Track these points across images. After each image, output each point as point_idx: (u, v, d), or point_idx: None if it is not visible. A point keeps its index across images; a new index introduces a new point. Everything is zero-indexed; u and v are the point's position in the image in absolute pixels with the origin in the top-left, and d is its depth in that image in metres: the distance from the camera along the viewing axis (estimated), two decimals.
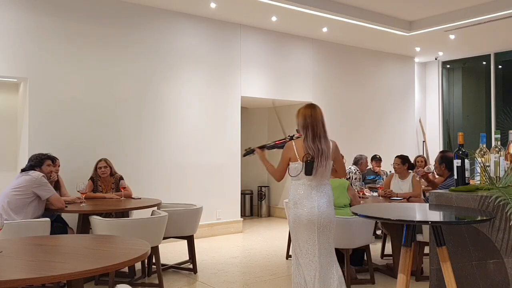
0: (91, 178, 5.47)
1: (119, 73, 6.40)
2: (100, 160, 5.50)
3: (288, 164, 3.49)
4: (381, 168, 7.62)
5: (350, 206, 4.74)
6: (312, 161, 3.35)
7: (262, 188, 9.34)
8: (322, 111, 3.54)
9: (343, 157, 3.91)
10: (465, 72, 10.92)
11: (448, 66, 10.83)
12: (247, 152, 4.02)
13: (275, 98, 7.94)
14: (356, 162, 7.07)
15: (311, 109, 3.48)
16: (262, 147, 3.91)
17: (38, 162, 4.68)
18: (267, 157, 3.84)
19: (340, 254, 4.31)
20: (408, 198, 5.29)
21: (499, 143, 3.00)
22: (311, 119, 3.42)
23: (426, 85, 10.94)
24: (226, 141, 7.43)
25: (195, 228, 5.20)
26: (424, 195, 5.74)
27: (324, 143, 3.41)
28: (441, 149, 10.38)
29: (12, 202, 4.35)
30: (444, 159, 4.95)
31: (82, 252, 2.79)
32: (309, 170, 3.35)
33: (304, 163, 3.36)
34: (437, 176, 5.76)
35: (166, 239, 4.94)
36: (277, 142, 3.97)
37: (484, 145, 3.05)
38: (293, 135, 3.79)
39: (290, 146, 3.48)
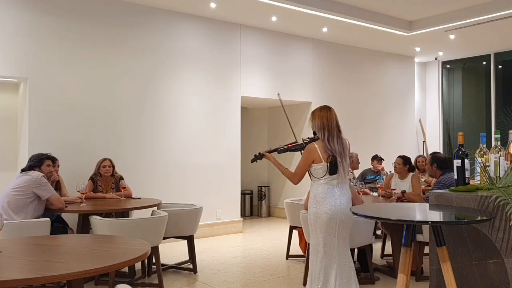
0: (91, 178, 5.47)
1: (119, 73, 6.40)
2: (104, 159, 5.49)
3: (310, 166, 3.59)
4: (383, 168, 7.61)
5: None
6: (336, 161, 3.52)
7: (262, 188, 9.34)
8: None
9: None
10: (465, 72, 10.91)
11: (448, 66, 10.82)
12: (256, 158, 4.01)
13: (275, 98, 7.93)
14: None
15: (327, 110, 3.62)
16: (272, 151, 3.95)
17: (37, 162, 4.67)
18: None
19: None
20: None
21: (499, 143, 3.00)
22: (327, 120, 3.57)
23: (426, 85, 10.94)
24: (226, 141, 7.43)
25: (195, 228, 5.20)
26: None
27: (340, 143, 3.58)
28: (441, 149, 10.42)
29: (12, 202, 4.35)
30: (435, 159, 5.02)
31: (82, 252, 2.79)
32: (333, 170, 3.52)
33: (328, 164, 3.50)
34: (429, 178, 5.87)
35: (166, 239, 4.94)
36: (289, 145, 3.98)
37: (484, 145, 3.05)
38: (313, 137, 3.77)
39: (314, 148, 3.57)
